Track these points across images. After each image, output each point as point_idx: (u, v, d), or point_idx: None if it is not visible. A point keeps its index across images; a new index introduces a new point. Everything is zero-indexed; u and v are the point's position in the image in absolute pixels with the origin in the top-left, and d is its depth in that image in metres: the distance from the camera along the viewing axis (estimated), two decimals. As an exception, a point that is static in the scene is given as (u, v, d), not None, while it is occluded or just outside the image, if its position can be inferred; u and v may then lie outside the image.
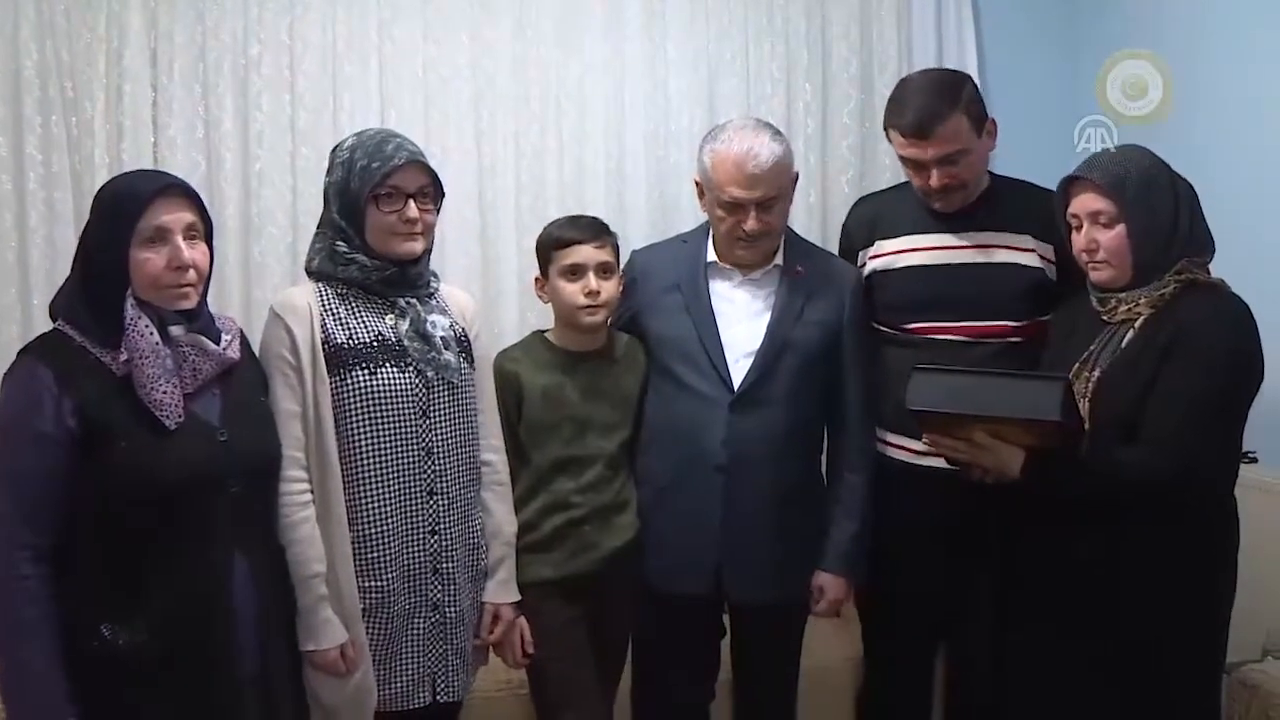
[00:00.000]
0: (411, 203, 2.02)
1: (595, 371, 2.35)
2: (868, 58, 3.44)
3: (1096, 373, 2.05)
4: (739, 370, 2.30)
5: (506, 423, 2.27)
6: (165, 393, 1.72)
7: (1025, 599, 2.19)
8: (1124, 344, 2.04)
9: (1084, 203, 2.08)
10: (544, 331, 2.44)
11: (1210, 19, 2.61)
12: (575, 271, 2.29)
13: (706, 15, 3.34)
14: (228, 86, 3.11)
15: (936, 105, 2.29)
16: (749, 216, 2.26)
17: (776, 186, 2.27)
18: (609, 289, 2.31)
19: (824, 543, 2.36)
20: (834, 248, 2.71)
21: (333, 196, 2.04)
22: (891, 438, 2.43)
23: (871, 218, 2.57)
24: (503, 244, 3.25)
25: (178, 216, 1.76)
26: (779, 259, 2.37)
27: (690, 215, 3.21)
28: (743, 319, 2.34)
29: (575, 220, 2.38)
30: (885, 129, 2.42)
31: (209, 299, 1.88)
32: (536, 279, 2.40)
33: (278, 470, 1.92)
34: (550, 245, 2.33)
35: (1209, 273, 2.06)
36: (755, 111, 3.22)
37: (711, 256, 2.38)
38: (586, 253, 2.29)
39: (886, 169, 3.42)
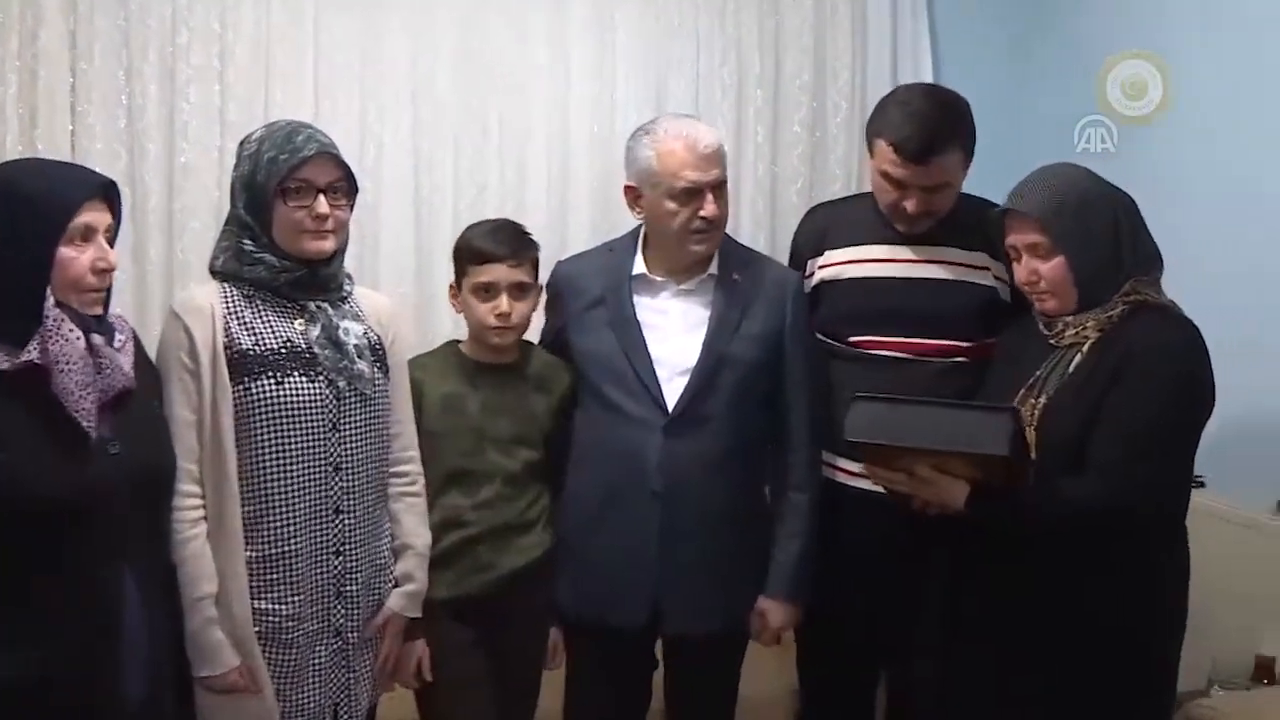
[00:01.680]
0: (322, 198, 1.89)
1: (501, 385, 2.23)
2: (820, 65, 3.37)
3: (1043, 399, 1.96)
4: (673, 390, 2.17)
5: None
6: (90, 403, 1.60)
7: (969, 628, 2.10)
8: (1071, 368, 1.95)
9: (1019, 235, 1.99)
10: (459, 340, 2.31)
11: (1210, 19, 2.60)
12: (488, 290, 2.17)
13: (656, 16, 3.25)
14: (153, 74, 2.99)
15: (943, 134, 2.16)
16: (707, 201, 2.13)
17: (724, 169, 2.18)
18: (521, 310, 2.20)
19: (767, 566, 2.24)
20: (785, 260, 2.61)
21: (239, 191, 1.91)
22: (838, 461, 2.32)
23: (823, 226, 2.46)
24: (439, 246, 3.12)
25: (101, 216, 1.65)
26: (713, 267, 2.23)
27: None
28: (676, 334, 2.20)
29: (495, 232, 2.23)
30: (870, 137, 2.28)
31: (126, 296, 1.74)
32: (451, 286, 2.27)
33: (172, 484, 1.79)
34: (466, 257, 2.21)
35: (1159, 290, 1.98)
36: (704, 118, 3.09)
37: (640, 268, 2.24)
38: (501, 272, 2.17)
39: (836, 179, 3.37)
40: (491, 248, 2.18)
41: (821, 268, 2.39)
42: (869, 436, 1.95)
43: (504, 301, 2.16)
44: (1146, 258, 1.97)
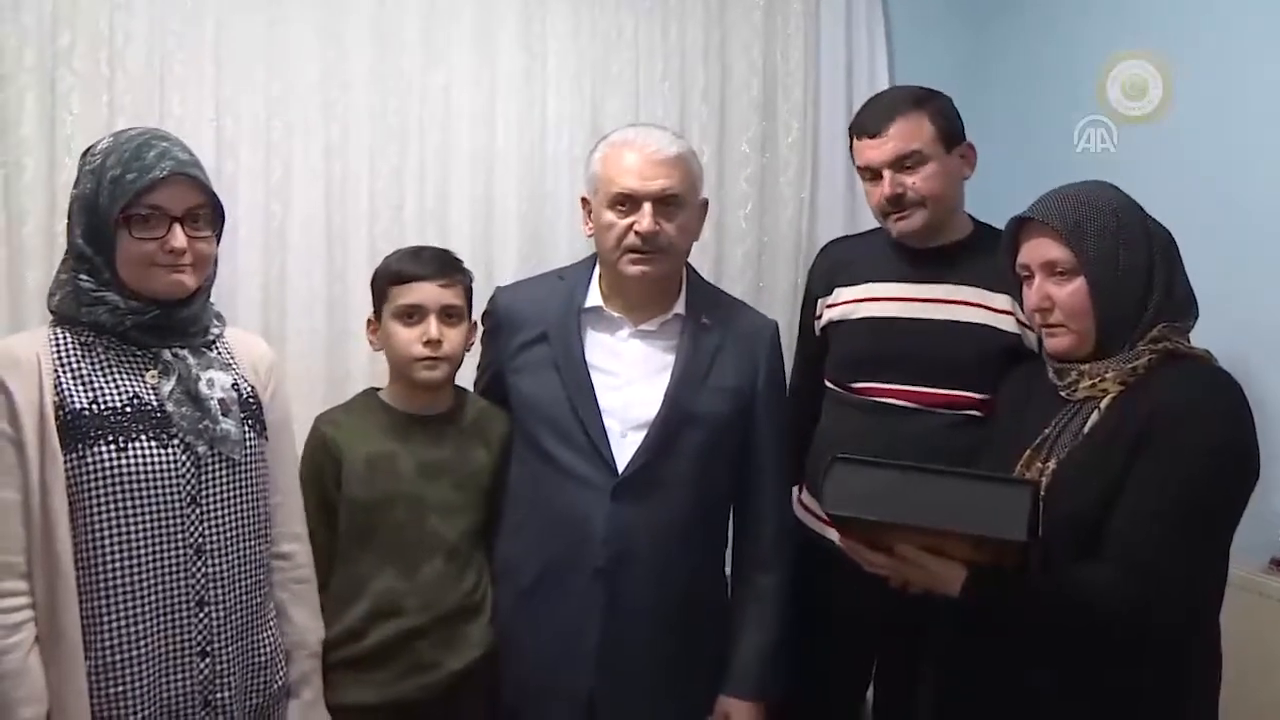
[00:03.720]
0: (178, 228, 1.59)
1: (436, 440, 1.95)
2: (770, 79, 3.14)
3: (1052, 463, 1.67)
4: (625, 447, 1.88)
5: (324, 504, 1.88)
6: None
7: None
8: (1087, 428, 1.67)
9: (1036, 250, 1.71)
10: (378, 389, 2.04)
11: (1210, 19, 2.54)
12: (413, 314, 1.92)
13: (592, 25, 2.99)
14: (30, 81, 2.66)
15: (894, 102, 2.12)
16: (644, 214, 1.86)
17: (679, 183, 1.89)
18: (454, 339, 1.94)
19: (729, 661, 1.95)
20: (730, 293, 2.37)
21: (76, 214, 1.60)
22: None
23: (834, 263, 2.28)
24: (353, 277, 2.83)
25: None
26: (680, 306, 1.96)
27: (566, 251, 2.88)
28: (633, 381, 1.92)
29: (418, 252, 1.99)
30: (850, 139, 2.21)
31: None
32: (369, 321, 2.01)
33: None
34: (386, 280, 1.96)
35: (1189, 341, 1.70)
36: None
37: (593, 300, 1.96)
38: (428, 292, 1.92)
39: (788, 204, 3.13)
40: (416, 266, 1.94)
41: (830, 307, 2.20)
42: (854, 510, 1.63)
43: (433, 326, 1.91)
44: (1181, 302, 1.69)
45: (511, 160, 2.94)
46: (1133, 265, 1.66)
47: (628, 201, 1.88)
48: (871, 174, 2.11)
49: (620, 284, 1.95)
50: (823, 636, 2.11)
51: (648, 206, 1.86)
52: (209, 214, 1.64)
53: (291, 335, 2.79)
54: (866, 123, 2.11)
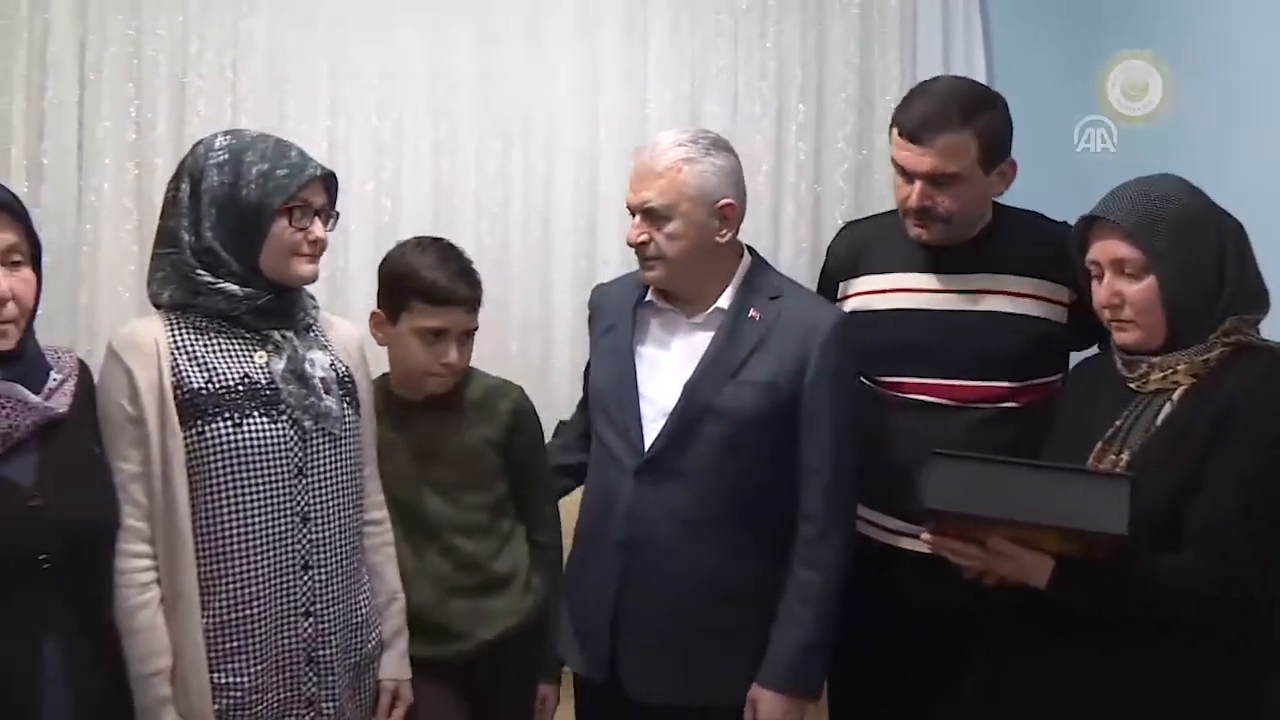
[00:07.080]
0: (318, 221, 1.73)
1: (435, 425, 2.01)
2: (868, 77, 3.14)
3: (1125, 455, 1.66)
4: (653, 432, 1.93)
5: None
6: None
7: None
8: (1159, 420, 1.66)
9: (1105, 249, 1.70)
10: (386, 373, 2.08)
11: (1210, 19, 2.53)
12: (438, 335, 1.95)
13: (692, 25, 3.06)
14: (163, 85, 2.87)
15: (945, 112, 1.96)
16: (633, 224, 1.92)
17: (659, 195, 1.87)
18: (468, 355, 2.01)
19: (758, 647, 1.94)
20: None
21: (208, 206, 1.69)
22: (886, 520, 2.05)
23: (860, 246, 2.22)
24: None
25: None
26: (724, 300, 1.96)
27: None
28: (671, 371, 1.95)
29: (445, 263, 1.97)
30: (890, 127, 2.10)
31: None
32: (375, 314, 2.02)
33: (110, 540, 1.60)
34: (412, 291, 1.96)
35: (1259, 332, 1.69)
36: (743, 133, 2.96)
37: (651, 294, 2.01)
38: (457, 318, 1.96)
39: (884, 199, 3.12)
40: (451, 288, 1.95)
41: (854, 295, 2.16)
42: (957, 505, 1.63)
43: (453, 352, 1.95)
44: (1251, 293, 1.68)
45: (613, 157, 2.99)
46: (1203, 260, 1.65)
47: (630, 212, 1.94)
48: (903, 172, 2.03)
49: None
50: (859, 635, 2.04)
51: (636, 217, 1.91)
52: (326, 213, 1.78)
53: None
54: (909, 125, 1.99)
